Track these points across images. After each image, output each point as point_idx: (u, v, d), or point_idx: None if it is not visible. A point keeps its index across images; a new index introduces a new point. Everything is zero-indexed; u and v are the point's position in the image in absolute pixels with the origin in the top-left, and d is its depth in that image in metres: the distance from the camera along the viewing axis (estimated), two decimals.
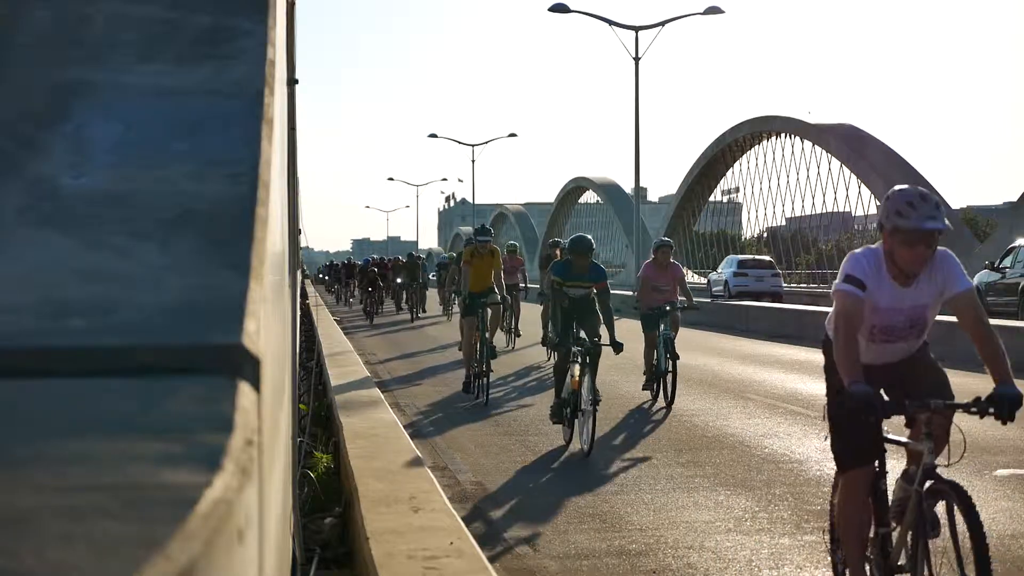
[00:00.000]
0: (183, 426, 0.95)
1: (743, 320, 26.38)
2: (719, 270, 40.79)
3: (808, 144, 58.19)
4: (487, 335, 13.59)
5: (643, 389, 12.77)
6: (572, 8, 37.65)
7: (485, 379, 13.04)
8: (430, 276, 42.14)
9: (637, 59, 38.43)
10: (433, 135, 72.70)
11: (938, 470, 4.51)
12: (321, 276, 73.48)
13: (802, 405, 12.31)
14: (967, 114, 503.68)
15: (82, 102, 1.42)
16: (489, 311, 14.09)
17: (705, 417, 11.39)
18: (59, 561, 0.74)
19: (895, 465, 5.02)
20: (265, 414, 1.16)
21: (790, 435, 10.25)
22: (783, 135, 60.81)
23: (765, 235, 71.76)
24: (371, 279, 32.37)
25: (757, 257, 42.45)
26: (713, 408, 12.06)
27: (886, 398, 4.65)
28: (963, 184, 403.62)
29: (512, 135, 71.85)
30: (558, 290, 9.81)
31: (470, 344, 13.57)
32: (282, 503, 1.78)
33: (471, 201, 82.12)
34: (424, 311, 32.81)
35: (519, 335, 21.19)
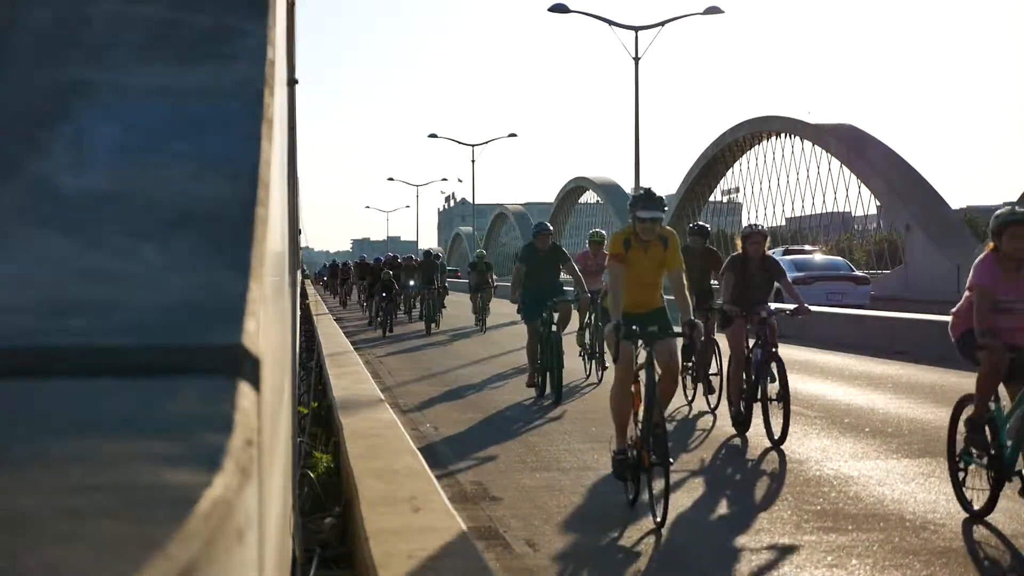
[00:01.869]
0: (183, 426, 0.95)
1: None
2: None
3: (808, 144, 58.21)
4: (656, 393, 6.94)
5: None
6: (572, 8, 37.67)
7: (651, 477, 6.85)
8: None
9: (637, 59, 38.43)
10: (433, 135, 72.75)
11: None
12: (323, 278, 66.46)
13: (802, 405, 12.30)
14: (967, 114, 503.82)
15: (82, 102, 1.42)
16: (656, 351, 7.17)
17: (705, 417, 11.39)
18: (59, 561, 0.74)
19: None
20: (265, 414, 1.16)
21: (790, 435, 10.25)
22: (783, 135, 60.83)
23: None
24: (386, 283, 26.84)
25: None
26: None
27: None
28: (963, 184, 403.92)
29: (512, 135, 71.93)
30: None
31: (625, 402, 7.28)
32: (282, 503, 1.78)
33: (471, 201, 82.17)
34: (442, 319, 27.82)
35: (605, 366, 14.16)
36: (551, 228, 13.86)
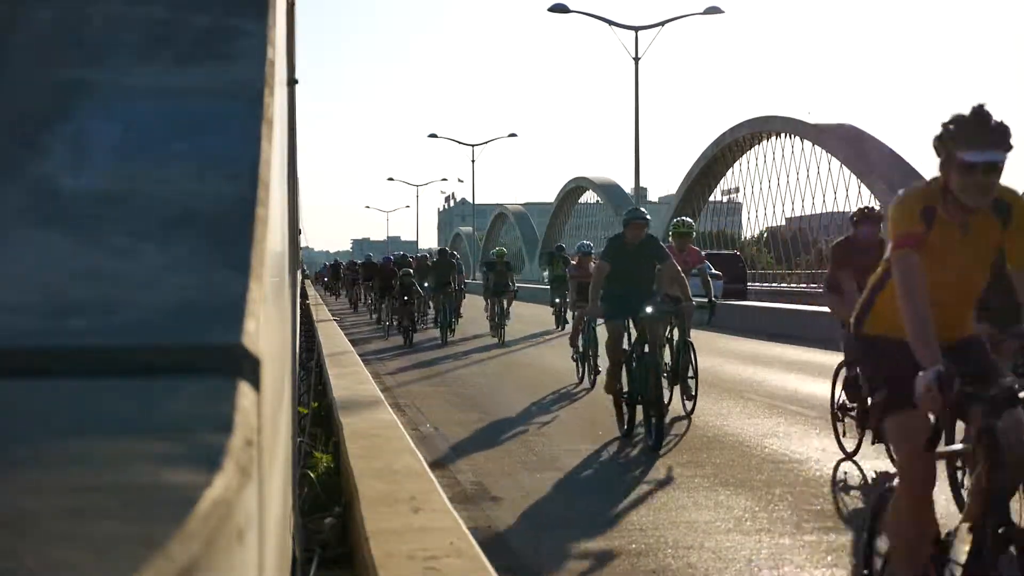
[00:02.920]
0: (183, 426, 0.95)
1: (743, 319, 26.39)
2: None
3: (808, 144, 58.22)
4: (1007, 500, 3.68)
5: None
6: (572, 8, 37.68)
7: None
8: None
9: (637, 59, 38.43)
10: (433, 135, 72.77)
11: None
12: (323, 278, 62.87)
13: (802, 405, 12.31)
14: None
15: (82, 102, 1.42)
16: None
17: (705, 417, 11.38)
18: (59, 561, 0.74)
19: None
20: (265, 414, 1.16)
21: (790, 435, 10.25)
22: (783, 135, 60.85)
23: (765, 235, 71.79)
24: (406, 285, 23.19)
25: None
26: (713, 408, 12.06)
27: None
28: None
29: (512, 135, 71.96)
30: None
31: (917, 524, 3.96)
32: (282, 503, 1.78)
33: (471, 201, 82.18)
34: (457, 321, 24.83)
35: (693, 395, 11.58)
36: (647, 216, 10.19)
